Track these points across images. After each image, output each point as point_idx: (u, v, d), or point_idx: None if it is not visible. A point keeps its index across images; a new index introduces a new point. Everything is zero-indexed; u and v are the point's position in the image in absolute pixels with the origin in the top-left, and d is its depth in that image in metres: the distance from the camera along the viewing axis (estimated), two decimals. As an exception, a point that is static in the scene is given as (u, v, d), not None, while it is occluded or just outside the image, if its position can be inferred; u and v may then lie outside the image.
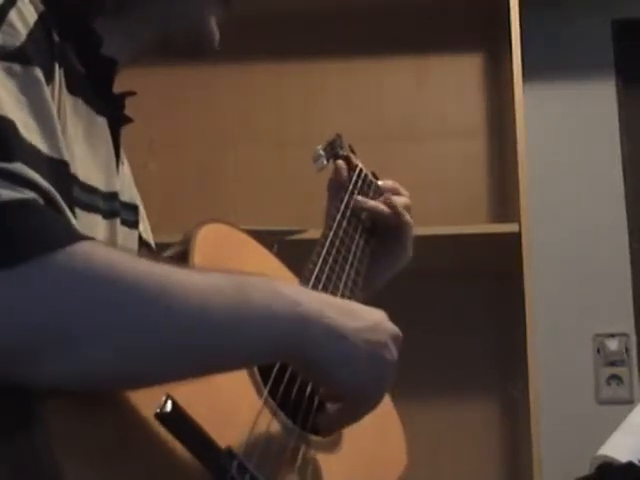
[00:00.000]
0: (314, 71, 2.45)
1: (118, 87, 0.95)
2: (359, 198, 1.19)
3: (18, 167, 0.67)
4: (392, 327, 0.84)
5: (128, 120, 0.98)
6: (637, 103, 2.51)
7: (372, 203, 1.18)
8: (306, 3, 2.37)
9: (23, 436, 0.61)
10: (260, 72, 2.44)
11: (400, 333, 0.84)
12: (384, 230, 1.19)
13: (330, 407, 0.85)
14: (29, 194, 0.66)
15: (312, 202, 2.32)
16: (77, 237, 0.66)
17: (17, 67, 0.72)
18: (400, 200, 1.20)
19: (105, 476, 0.62)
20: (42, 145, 0.72)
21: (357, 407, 0.82)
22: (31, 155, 0.70)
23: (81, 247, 0.65)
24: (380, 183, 1.25)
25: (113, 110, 0.93)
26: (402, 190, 1.23)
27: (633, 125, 2.50)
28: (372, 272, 1.15)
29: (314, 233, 1.95)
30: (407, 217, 1.18)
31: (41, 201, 0.67)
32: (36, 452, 0.60)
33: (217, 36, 0.97)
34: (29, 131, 0.71)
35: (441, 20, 2.41)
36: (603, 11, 2.50)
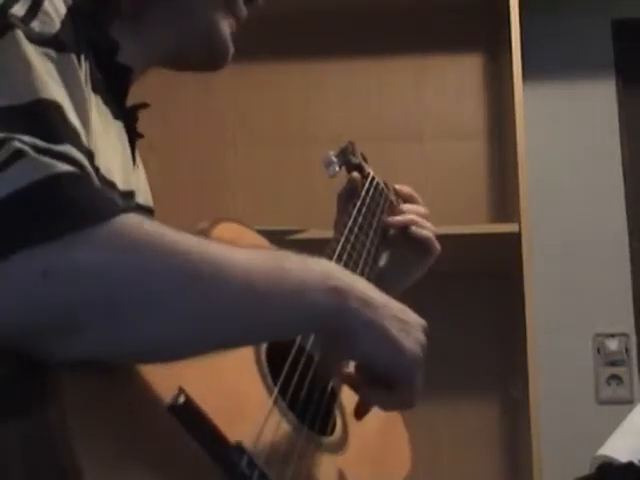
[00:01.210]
0: (314, 71, 2.45)
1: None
2: (390, 217, 1.19)
3: (67, 149, 0.68)
4: (419, 317, 0.86)
5: (138, 135, 0.99)
6: (637, 103, 2.51)
7: (405, 221, 1.19)
8: (306, 3, 2.37)
9: (36, 414, 0.61)
10: (260, 72, 2.44)
11: (426, 324, 0.87)
12: (405, 244, 1.19)
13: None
14: (78, 170, 0.67)
15: (312, 202, 2.33)
16: (126, 209, 0.68)
17: (53, 53, 0.74)
18: (419, 210, 1.20)
19: (117, 463, 0.63)
20: (81, 130, 0.73)
21: (402, 386, 0.82)
22: (76, 138, 0.71)
23: (131, 218, 0.67)
24: (397, 187, 1.25)
25: (128, 122, 0.94)
26: (418, 198, 1.24)
27: (633, 125, 2.50)
28: (388, 281, 1.15)
29: (314, 233, 1.95)
30: (437, 245, 1.19)
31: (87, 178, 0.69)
32: (49, 431, 0.60)
33: (231, 48, 0.98)
34: (72, 115, 0.72)
35: (441, 20, 2.41)
36: (603, 11, 2.50)
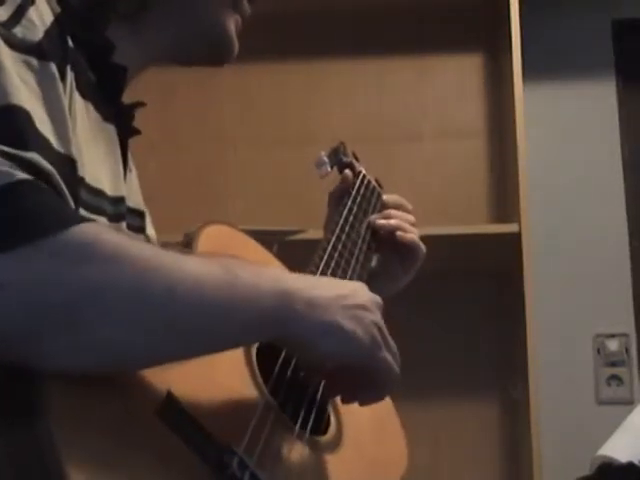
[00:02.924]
0: (314, 71, 2.45)
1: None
2: (375, 220, 1.18)
3: (33, 157, 0.68)
4: (369, 293, 0.85)
5: (136, 132, 0.98)
6: (637, 103, 2.51)
7: (389, 226, 1.18)
8: (306, 3, 2.37)
9: (24, 428, 0.61)
10: (260, 72, 2.44)
11: (379, 299, 0.85)
12: (392, 247, 1.19)
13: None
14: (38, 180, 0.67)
15: (312, 202, 2.32)
16: (83, 219, 0.67)
17: (34, 61, 0.74)
18: (406, 217, 1.20)
19: (104, 469, 0.62)
20: (52, 139, 0.73)
21: (372, 373, 0.81)
22: (44, 147, 0.71)
23: (87, 227, 0.66)
24: (385, 198, 1.25)
25: (122, 120, 0.94)
26: (408, 205, 1.23)
27: (633, 125, 2.50)
28: (377, 283, 1.15)
29: (314, 233, 1.95)
30: (423, 248, 1.18)
31: (47, 186, 0.68)
32: (36, 444, 0.60)
33: (236, 45, 0.98)
34: (42, 124, 0.72)
35: (441, 20, 2.41)
36: (603, 11, 2.51)
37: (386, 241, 1.18)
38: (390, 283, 1.20)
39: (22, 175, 0.65)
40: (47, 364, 0.63)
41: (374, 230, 1.18)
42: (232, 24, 0.97)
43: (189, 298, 0.69)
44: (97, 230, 0.67)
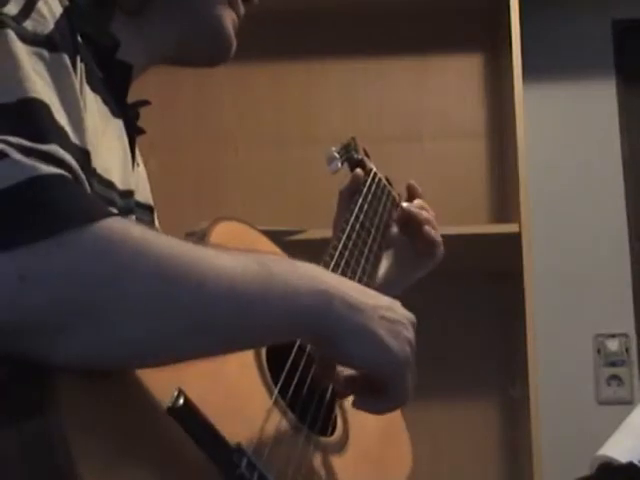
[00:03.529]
0: (314, 71, 2.45)
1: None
2: (410, 207, 1.19)
3: (53, 148, 0.67)
4: (407, 312, 0.85)
5: (140, 131, 0.99)
6: (637, 103, 2.51)
7: (422, 215, 1.19)
8: (306, 3, 2.37)
9: (34, 419, 0.61)
10: (260, 72, 2.44)
11: (414, 319, 0.85)
12: (409, 241, 1.19)
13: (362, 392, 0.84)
14: (63, 172, 0.67)
15: (312, 202, 2.33)
16: (111, 212, 0.67)
17: (46, 53, 0.74)
18: (431, 213, 1.21)
19: (114, 464, 0.62)
20: (69, 130, 0.73)
21: (392, 386, 0.81)
22: (63, 138, 0.71)
23: (116, 221, 0.66)
24: (412, 183, 1.24)
25: (127, 119, 0.94)
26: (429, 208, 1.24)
27: (633, 125, 2.50)
28: (389, 279, 1.15)
29: (314, 233, 1.95)
30: (442, 246, 1.19)
31: (72, 180, 0.68)
32: (47, 436, 0.60)
33: (234, 42, 0.99)
34: (59, 115, 0.72)
35: (441, 20, 2.41)
36: (603, 11, 2.50)
37: (404, 235, 1.18)
38: (404, 277, 1.20)
39: (46, 168, 0.64)
40: (64, 359, 0.63)
41: (386, 227, 1.17)
42: (229, 21, 0.98)
43: (219, 295, 0.68)
44: (124, 225, 0.66)
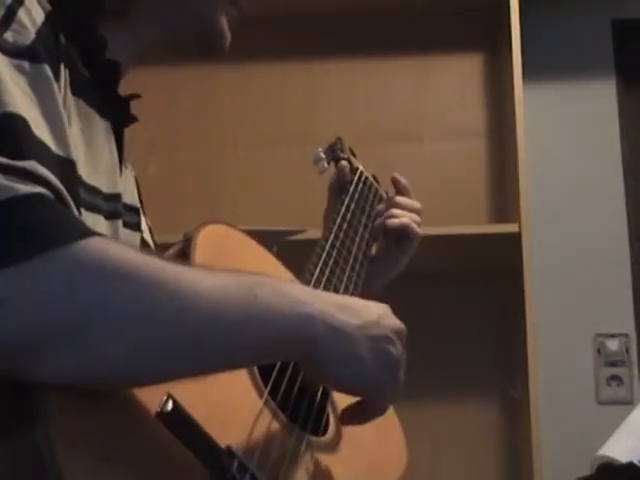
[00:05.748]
0: (314, 71, 2.45)
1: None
2: (389, 221, 1.19)
3: (31, 165, 0.66)
4: (395, 321, 0.84)
5: (133, 120, 0.97)
6: (637, 103, 2.51)
7: (390, 222, 1.19)
8: (306, 3, 2.37)
9: (24, 433, 0.61)
10: (260, 72, 2.44)
11: (403, 326, 0.85)
12: (390, 237, 1.19)
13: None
14: (42, 190, 0.66)
15: (312, 202, 2.32)
16: (90, 232, 0.66)
17: (27, 65, 0.73)
18: (414, 205, 1.20)
19: (104, 474, 0.62)
20: (51, 143, 0.72)
21: (372, 402, 0.83)
22: (42, 153, 0.70)
23: (95, 242, 0.65)
24: (396, 176, 1.25)
25: (118, 111, 0.93)
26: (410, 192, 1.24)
27: (633, 125, 2.50)
28: (372, 276, 1.15)
29: (314, 233, 1.94)
30: (417, 230, 1.18)
31: (52, 198, 0.67)
32: (36, 449, 0.60)
33: (228, 36, 0.97)
34: (39, 128, 0.71)
35: (441, 20, 2.41)
36: (603, 11, 2.50)
37: (394, 233, 1.18)
38: (388, 268, 1.20)
39: (23, 188, 0.64)
40: (46, 379, 0.62)
41: (374, 225, 1.18)
42: (223, 16, 0.95)
43: (201, 319, 0.67)
44: (103, 245, 0.65)
